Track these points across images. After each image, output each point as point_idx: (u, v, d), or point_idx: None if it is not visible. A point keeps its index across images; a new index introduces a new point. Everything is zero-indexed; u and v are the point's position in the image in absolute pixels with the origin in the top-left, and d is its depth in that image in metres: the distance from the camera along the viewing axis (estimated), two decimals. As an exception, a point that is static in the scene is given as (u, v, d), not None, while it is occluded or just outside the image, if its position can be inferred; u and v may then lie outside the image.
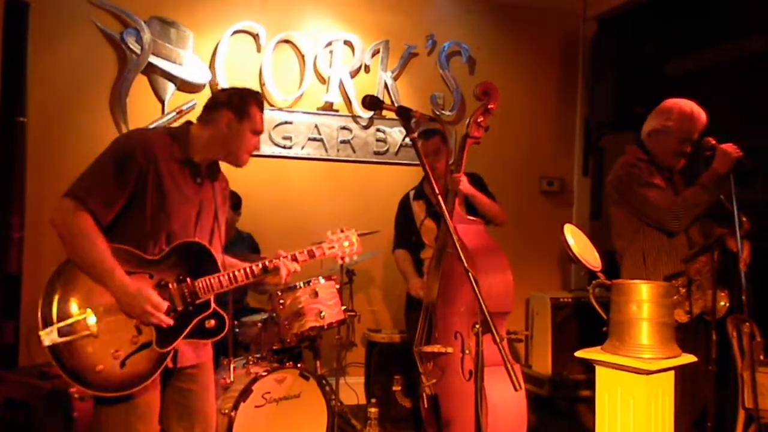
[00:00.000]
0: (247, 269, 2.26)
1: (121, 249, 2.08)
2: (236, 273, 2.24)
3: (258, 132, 2.34)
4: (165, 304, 2.09)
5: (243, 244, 4.05)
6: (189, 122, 2.34)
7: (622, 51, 4.90)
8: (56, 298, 2.00)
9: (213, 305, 2.21)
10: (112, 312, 2.04)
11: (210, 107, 2.33)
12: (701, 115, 2.90)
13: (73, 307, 2.00)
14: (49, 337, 1.95)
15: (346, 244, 2.52)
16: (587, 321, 4.60)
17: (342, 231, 2.54)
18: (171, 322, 2.10)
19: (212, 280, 2.19)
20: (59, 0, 4.15)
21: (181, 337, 2.15)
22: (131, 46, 4.24)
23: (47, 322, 1.97)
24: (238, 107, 2.28)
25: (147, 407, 2.14)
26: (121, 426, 2.10)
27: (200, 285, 2.17)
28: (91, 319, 2.00)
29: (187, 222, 2.23)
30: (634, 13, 4.95)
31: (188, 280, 2.16)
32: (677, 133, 2.89)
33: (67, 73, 4.17)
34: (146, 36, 4.26)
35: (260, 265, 2.28)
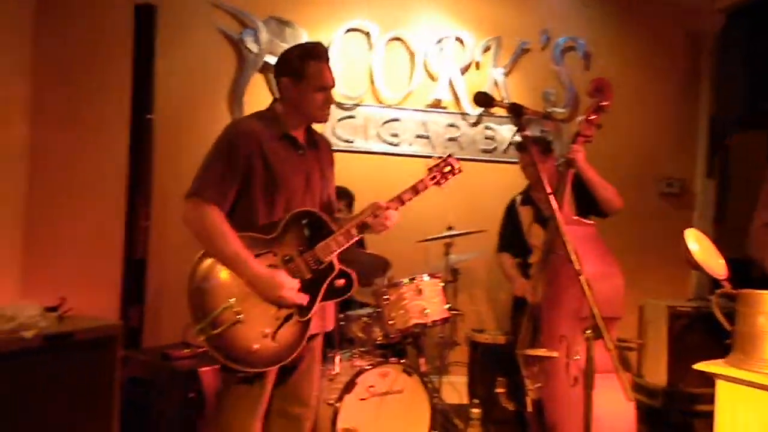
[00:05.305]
0: (360, 223, 2.30)
1: (244, 235, 2.19)
2: (350, 229, 2.29)
3: (323, 87, 2.30)
4: (297, 284, 2.21)
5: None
6: (275, 99, 2.41)
7: (752, 45, 4.60)
8: (200, 294, 2.13)
9: (338, 265, 2.30)
10: (251, 295, 2.16)
11: (276, 79, 2.39)
12: None
13: (217, 299, 2.13)
14: (203, 331, 2.09)
15: (447, 169, 2.47)
16: (707, 332, 4.37)
17: (439, 159, 2.47)
18: (306, 300, 2.21)
19: (330, 242, 2.27)
20: (183, 2, 4.41)
21: (318, 302, 2.26)
22: (249, 46, 4.43)
23: (198, 319, 2.11)
24: (293, 71, 2.29)
25: (269, 387, 2.28)
26: (250, 402, 2.24)
27: (320, 249, 2.26)
28: (235, 307, 2.13)
29: (297, 193, 2.31)
30: (766, 5, 4.62)
31: (309, 247, 2.26)
32: None
33: (190, 72, 4.41)
34: (263, 36, 4.44)
35: (371, 217, 2.31)
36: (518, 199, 3.71)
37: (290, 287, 2.18)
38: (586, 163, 3.17)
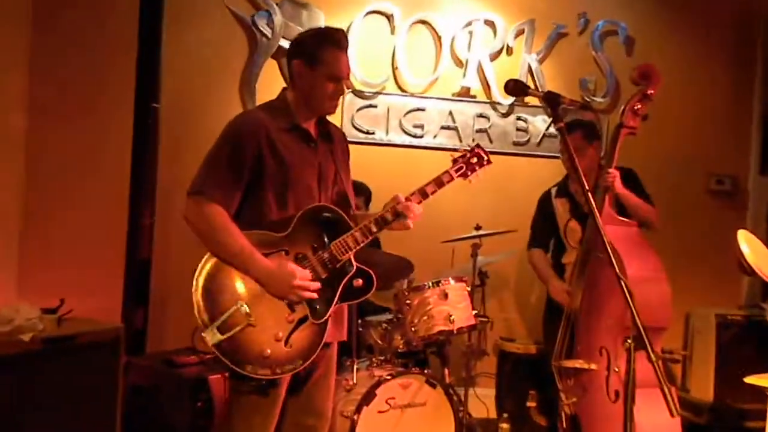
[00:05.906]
0: (379, 219, 2.28)
1: (252, 233, 2.19)
2: (369, 226, 2.27)
3: (336, 77, 2.29)
4: (308, 273, 2.19)
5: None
6: (285, 87, 2.40)
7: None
8: (207, 297, 2.13)
9: (355, 264, 2.28)
10: (261, 297, 2.16)
11: (287, 61, 2.37)
12: None
13: (225, 302, 2.13)
14: (212, 336, 2.09)
15: (474, 160, 2.44)
16: (759, 343, 4.32)
17: (465, 149, 2.45)
18: (318, 286, 2.19)
19: (347, 239, 2.25)
20: (193, -18, 4.43)
21: (334, 303, 2.25)
22: (262, 29, 4.44)
23: (206, 323, 2.11)
24: (308, 54, 2.28)
25: (281, 396, 2.28)
26: (262, 414, 2.24)
27: (336, 247, 2.25)
28: (245, 310, 2.13)
29: (310, 188, 2.31)
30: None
31: (324, 245, 2.25)
32: None
33: (198, 58, 4.42)
34: (277, 18, 4.45)
35: (391, 212, 2.28)
36: (553, 190, 3.67)
37: (302, 276, 2.17)
38: (622, 188, 3.16)
